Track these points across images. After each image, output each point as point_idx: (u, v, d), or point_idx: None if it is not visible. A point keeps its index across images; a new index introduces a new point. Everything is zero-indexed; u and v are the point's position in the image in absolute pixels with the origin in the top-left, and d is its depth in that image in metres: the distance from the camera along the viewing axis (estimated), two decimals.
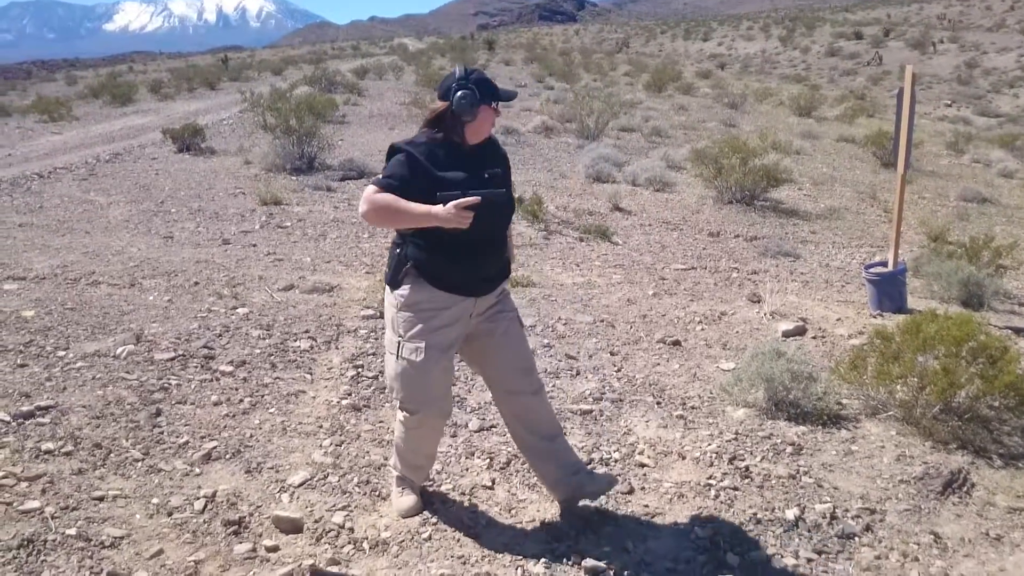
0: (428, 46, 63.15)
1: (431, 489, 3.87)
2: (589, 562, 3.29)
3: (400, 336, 3.30)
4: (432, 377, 3.30)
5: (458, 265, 3.26)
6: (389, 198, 3.12)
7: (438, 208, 3.08)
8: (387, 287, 3.40)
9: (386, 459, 4.12)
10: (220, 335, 5.66)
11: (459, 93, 3.21)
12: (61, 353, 5.17)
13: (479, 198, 3.10)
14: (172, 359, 5.19)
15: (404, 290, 3.29)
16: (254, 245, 8.35)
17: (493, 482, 3.94)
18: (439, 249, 3.23)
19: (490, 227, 3.30)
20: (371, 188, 3.16)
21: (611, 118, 17.87)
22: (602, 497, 3.81)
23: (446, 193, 3.10)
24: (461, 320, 3.34)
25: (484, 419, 4.58)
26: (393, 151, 3.27)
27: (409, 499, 3.64)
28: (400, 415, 3.46)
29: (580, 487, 3.61)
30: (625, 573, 3.25)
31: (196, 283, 6.84)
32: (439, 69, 32.36)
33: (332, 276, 7.31)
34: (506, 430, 4.43)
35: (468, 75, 3.27)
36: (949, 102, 36.65)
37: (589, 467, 3.95)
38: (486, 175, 3.28)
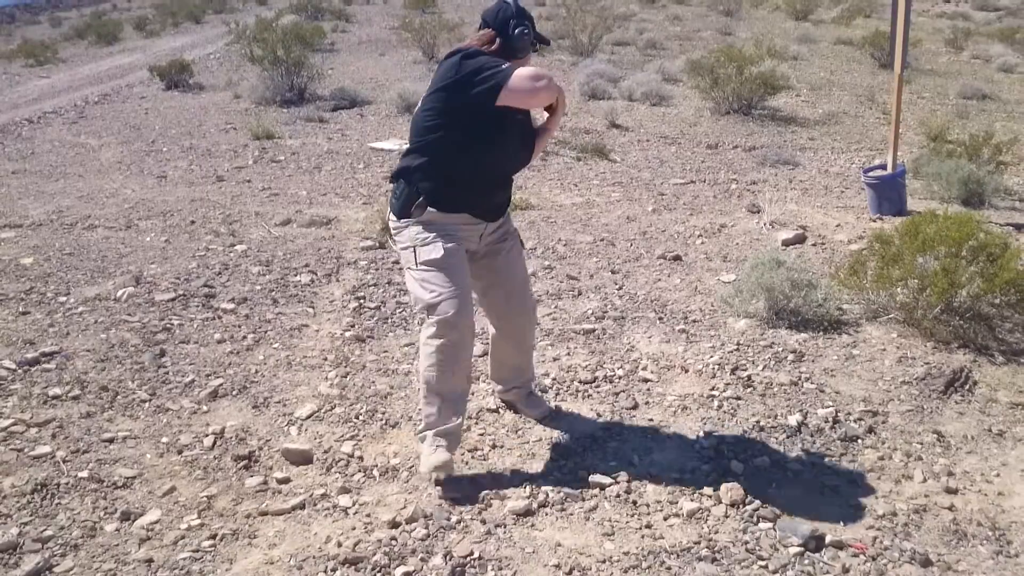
0: None
1: None
2: (596, 476, 3.34)
3: (415, 244, 3.28)
4: (453, 272, 3.24)
5: (474, 196, 3.31)
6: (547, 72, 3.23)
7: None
8: (393, 217, 3.37)
9: (391, 390, 4.15)
10: (219, 273, 5.66)
11: (519, 29, 3.22)
12: (62, 299, 5.18)
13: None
14: (173, 299, 5.19)
15: (415, 216, 3.28)
16: (248, 181, 8.30)
17: (498, 406, 3.97)
18: (456, 182, 3.25)
19: (513, 163, 3.45)
20: (527, 69, 3.16)
21: (605, 32, 17.55)
22: (608, 413, 3.86)
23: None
24: (471, 236, 3.38)
25: (487, 344, 4.60)
26: (470, 55, 3.20)
27: (443, 455, 3.24)
28: (429, 333, 3.24)
29: (517, 401, 3.87)
30: (632, 485, 3.30)
31: (192, 222, 6.82)
32: None
33: (329, 208, 7.28)
34: None
35: (520, 12, 3.26)
36: None
37: (535, 382, 4.04)
38: (520, 117, 3.33)
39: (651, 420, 3.85)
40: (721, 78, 11.47)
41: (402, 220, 3.32)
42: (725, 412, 3.90)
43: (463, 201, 3.29)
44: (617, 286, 5.50)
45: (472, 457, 3.55)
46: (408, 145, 3.41)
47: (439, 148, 3.23)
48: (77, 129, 11.19)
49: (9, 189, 8.00)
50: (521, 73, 3.12)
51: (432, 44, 16.58)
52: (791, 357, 4.42)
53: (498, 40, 3.24)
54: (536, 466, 3.47)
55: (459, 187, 3.27)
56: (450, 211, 3.28)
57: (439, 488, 3.27)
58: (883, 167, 7.22)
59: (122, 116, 11.99)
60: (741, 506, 3.19)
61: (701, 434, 3.70)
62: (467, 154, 3.22)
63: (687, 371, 4.33)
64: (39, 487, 3.28)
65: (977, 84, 13.84)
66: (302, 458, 3.55)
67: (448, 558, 2.87)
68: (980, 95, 13.19)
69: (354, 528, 3.07)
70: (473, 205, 3.32)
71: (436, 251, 3.24)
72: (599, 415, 3.88)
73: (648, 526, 3.06)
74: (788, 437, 3.68)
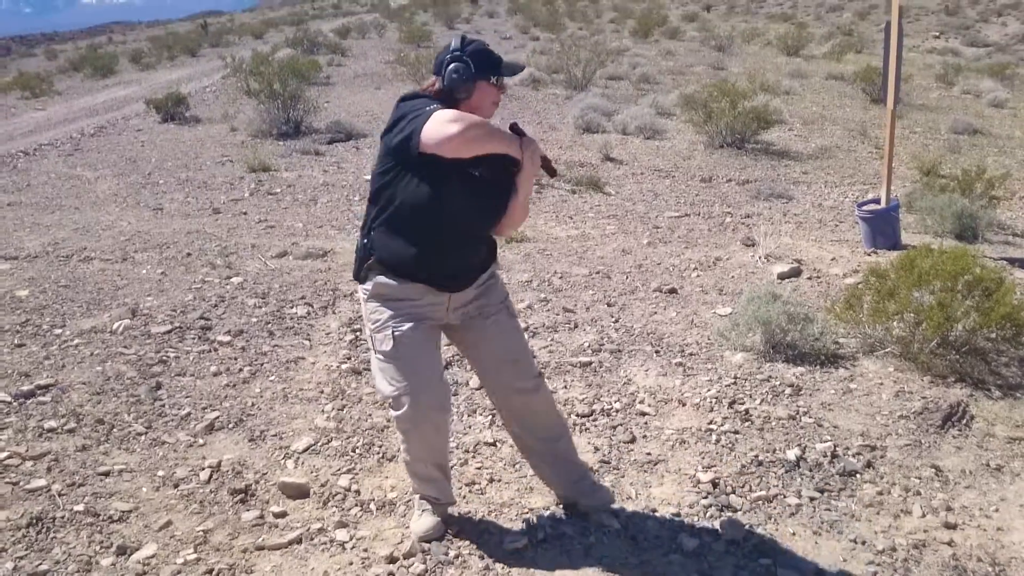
0: (410, 1, 62.34)
1: None
2: (594, 511, 3.31)
3: (370, 332, 2.99)
4: (408, 363, 2.90)
5: (427, 259, 2.89)
6: (478, 118, 2.78)
7: (520, 139, 2.89)
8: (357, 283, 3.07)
9: (388, 423, 4.14)
10: (216, 305, 5.65)
11: (451, 67, 2.85)
12: (58, 331, 5.16)
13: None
14: (169, 332, 5.18)
15: (369, 284, 2.95)
16: (245, 213, 8.31)
17: (495, 440, 3.96)
18: (406, 243, 2.87)
19: (469, 224, 2.96)
20: (445, 111, 2.73)
21: (598, 67, 17.71)
22: (606, 447, 3.85)
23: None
24: (434, 310, 2.99)
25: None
26: (407, 98, 2.90)
27: (428, 520, 3.16)
28: (395, 423, 3.06)
29: (577, 498, 3.36)
30: (631, 521, 3.28)
31: (188, 254, 6.82)
32: (422, 25, 31.96)
33: (325, 241, 7.29)
34: None
35: (464, 47, 2.89)
36: (937, 33, 36.28)
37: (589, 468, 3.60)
38: (476, 173, 2.89)
39: (649, 454, 3.84)
40: (714, 112, 11.57)
41: (361, 287, 3.01)
42: (723, 446, 3.89)
43: (415, 265, 2.89)
44: (613, 319, 5.51)
45: (470, 491, 3.53)
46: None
47: (388, 202, 2.88)
48: (73, 161, 11.22)
49: (4, 221, 7.99)
50: (437, 116, 2.70)
51: (427, 78, 16.69)
52: (788, 391, 4.43)
53: (437, 83, 2.91)
54: (534, 501, 3.45)
55: (411, 248, 2.87)
56: (402, 278, 2.91)
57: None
58: (877, 201, 7.27)
59: (118, 148, 12.02)
60: (741, 543, 3.18)
61: (700, 468, 3.69)
62: (413, 211, 2.84)
63: (684, 405, 4.33)
64: (34, 521, 3.25)
65: (968, 119, 13.98)
66: (299, 492, 3.53)
67: None
68: (971, 130, 13.32)
69: (351, 563, 3.05)
70: (427, 271, 2.90)
71: (387, 342, 2.91)
72: (596, 448, 3.87)
73: (647, 563, 3.04)
74: (787, 472, 3.67)
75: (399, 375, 2.91)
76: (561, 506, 3.39)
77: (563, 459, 3.32)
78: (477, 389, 4.44)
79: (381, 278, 2.92)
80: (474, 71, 2.85)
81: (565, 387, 4.52)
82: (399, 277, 2.90)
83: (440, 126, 2.68)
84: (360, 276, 2.99)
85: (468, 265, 3.02)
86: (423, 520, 3.18)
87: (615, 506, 3.37)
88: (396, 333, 2.90)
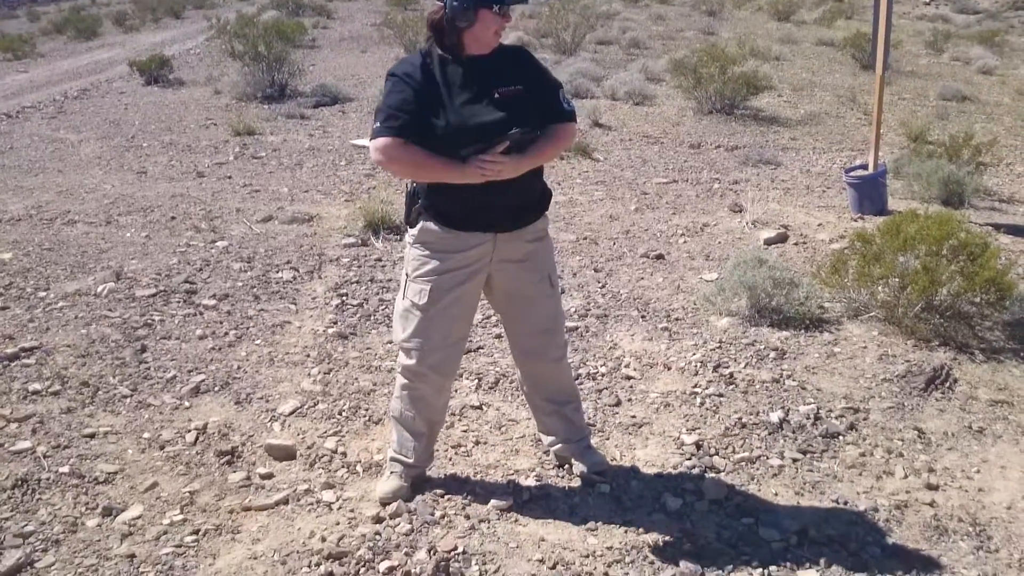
0: None
1: None
2: (579, 472, 3.34)
3: (408, 275, 2.97)
4: (435, 323, 2.93)
5: (468, 200, 2.83)
6: (409, 153, 2.74)
7: (465, 166, 2.75)
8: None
9: (374, 387, 4.15)
10: (201, 269, 5.62)
11: None
12: (42, 294, 5.13)
13: (506, 143, 2.74)
14: (154, 295, 5.16)
15: (416, 229, 2.93)
16: (229, 177, 8.25)
17: (482, 403, 3.97)
18: (446, 183, 2.83)
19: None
20: (383, 139, 2.74)
21: (588, 31, 17.56)
22: (591, 410, 3.86)
23: (469, 149, 2.75)
24: (479, 263, 2.94)
25: (471, 341, 4.59)
26: (390, 73, 2.85)
27: (394, 482, 3.19)
28: (399, 369, 3.10)
29: (572, 456, 3.38)
30: (615, 482, 3.31)
31: (173, 218, 6.77)
32: None
33: (311, 205, 7.24)
34: (492, 351, 4.47)
35: None
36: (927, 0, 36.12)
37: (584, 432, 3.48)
38: (496, 94, 2.82)
39: (634, 417, 3.86)
40: (704, 78, 11.49)
41: (409, 232, 2.99)
42: (707, 409, 3.92)
43: (458, 207, 2.86)
44: (600, 284, 5.51)
45: (456, 453, 3.55)
46: None
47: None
48: (56, 124, 11.09)
49: None
50: (379, 140, 2.75)
51: (414, 40, 16.53)
52: (773, 355, 4.45)
53: (442, 10, 2.79)
54: (520, 463, 3.47)
55: (454, 187, 2.82)
56: (449, 225, 2.88)
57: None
58: (864, 167, 7.27)
59: (101, 111, 11.89)
60: (724, 502, 3.21)
61: (684, 431, 3.72)
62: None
63: (670, 369, 4.34)
64: (20, 482, 3.25)
65: (957, 86, 13.94)
66: (285, 454, 3.54)
67: (432, 552, 2.86)
68: (960, 97, 13.29)
69: (338, 523, 3.06)
70: (469, 210, 2.86)
71: (422, 296, 2.91)
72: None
73: (631, 522, 3.06)
74: (770, 434, 3.70)
75: (420, 329, 2.95)
76: (548, 466, 3.42)
77: (567, 419, 3.35)
78: (464, 354, 4.45)
79: (429, 224, 2.90)
80: None
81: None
82: (446, 225, 2.88)
83: (374, 153, 2.78)
84: (410, 220, 2.97)
85: (519, 199, 2.95)
86: (389, 482, 3.21)
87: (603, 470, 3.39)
88: (433, 289, 2.90)
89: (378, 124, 2.77)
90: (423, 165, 2.78)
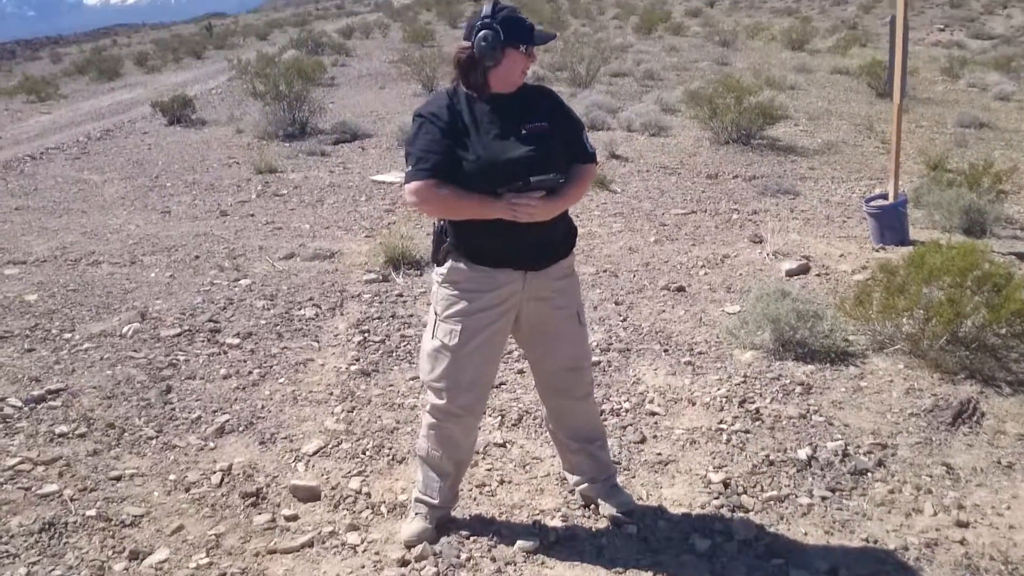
0: (413, 1, 62.29)
1: None
2: (606, 512, 3.31)
3: (437, 314, 2.97)
4: (465, 363, 2.93)
5: (497, 236, 2.85)
6: (443, 193, 2.77)
7: (498, 201, 2.78)
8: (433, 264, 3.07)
9: (398, 425, 4.14)
10: (224, 308, 5.66)
11: (481, 33, 2.79)
12: (67, 335, 5.18)
13: (541, 192, 2.79)
14: (178, 335, 5.19)
15: (445, 268, 2.94)
16: (252, 215, 8.32)
17: (505, 441, 3.96)
18: (475, 220, 2.84)
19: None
20: (415, 183, 2.77)
21: (602, 64, 17.68)
22: (616, 447, 3.84)
23: (503, 188, 2.78)
24: (509, 303, 2.94)
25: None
26: (416, 114, 2.90)
27: (419, 524, 3.18)
28: (427, 406, 3.10)
29: (598, 496, 3.35)
30: (642, 522, 3.28)
31: (196, 257, 6.83)
32: (426, 24, 31.96)
33: (332, 242, 7.29)
34: (515, 387, 4.47)
35: (495, 13, 2.81)
36: (942, 26, 36.13)
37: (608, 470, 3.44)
38: (523, 130, 2.86)
39: (659, 454, 3.84)
40: (720, 108, 11.53)
41: (437, 270, 3.00)
42: (734, 446, 3.89)
43: (487, 244, 2.87)
44: (621, 318, 5.50)
45: (480, 493, 3.53)
46: None
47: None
48: (80, 165, 11.24)
49: (12, 225, 8.02)
50: (405, 188, 2.81)
51: (432, 77, 16.71)
52: (799, 389, 4.42)
53: (469, 49, 2.85)
54: (545, 502, 3.45)
55: (481, 224, 2.83)
56: (478, 262, 2.89)
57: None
58: (884, 196, 7.25)
59: (125, 152, 12.05)
60: (753, 542, 3.17)
61: (711, 469, 3.69)
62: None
63: (694, 404, 4.32)
64: (47, 526, 3.26)
65: (974, 112, 13.92)
66: (310, 495, 3.54)
67: None
68: (978, 123, 13.26)
69: (363, 566, 3.05)
70: (499, 247, 2.87)
71: (452, 337, 2.92)
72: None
73: (660, 564, 3.03)
74: (798, 471, 3.66)
75: (450, 370, 2.95)
76: (573, 506, 3.39)
77: (593, 457, 3.33)
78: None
79: (459, 264, 2.92)
80: (503, 39, 2.80)
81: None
82: (475, 262, 2.90)
83: (408, 196, 2.81)
84: (438, 258, 2.99)
85: (550, 236, 2.96)
86: (414, 524, 3.20)
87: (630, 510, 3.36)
88: (464, 330, 2.91)
89: (410, 168, 2.81)
90: (457, 204, 2.80)
